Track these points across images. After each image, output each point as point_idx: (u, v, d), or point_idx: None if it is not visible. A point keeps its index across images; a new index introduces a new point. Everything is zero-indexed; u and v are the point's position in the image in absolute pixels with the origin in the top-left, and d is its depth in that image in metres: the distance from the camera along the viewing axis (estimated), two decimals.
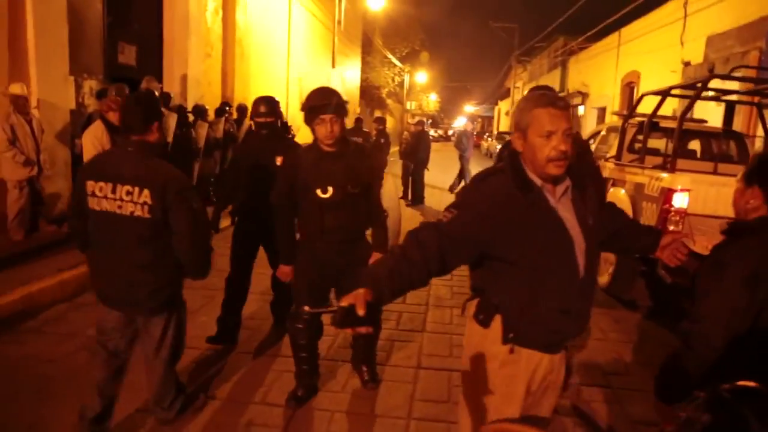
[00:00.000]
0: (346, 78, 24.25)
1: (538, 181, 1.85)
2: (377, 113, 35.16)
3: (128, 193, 2.53)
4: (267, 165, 3.93)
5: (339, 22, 18.73)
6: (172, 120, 7.87)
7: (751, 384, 1.46)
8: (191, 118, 9.11)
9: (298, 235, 3.42)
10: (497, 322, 1.88)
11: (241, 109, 10.89)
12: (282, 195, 3.31)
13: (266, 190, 3.51)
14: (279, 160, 3.81)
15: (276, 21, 15.37)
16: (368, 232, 3.48)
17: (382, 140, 13.02)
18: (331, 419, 3.30)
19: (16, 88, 5.94)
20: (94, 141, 5.34)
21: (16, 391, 3.38)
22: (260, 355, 4.10)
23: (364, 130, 13.88)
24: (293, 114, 15.96)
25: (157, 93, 7.62)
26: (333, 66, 18.25)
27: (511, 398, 1.91)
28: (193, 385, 3.52)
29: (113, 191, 2.55)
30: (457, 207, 1.85)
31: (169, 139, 7.74)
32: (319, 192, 3.15)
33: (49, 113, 6.77)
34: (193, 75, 10.50)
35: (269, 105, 4.07)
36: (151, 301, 2.69)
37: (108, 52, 8.62)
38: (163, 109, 7.92)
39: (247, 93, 12.51)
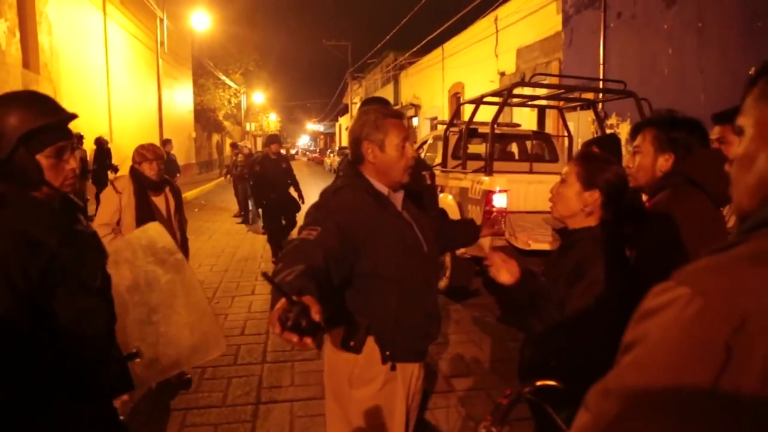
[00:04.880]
0: (176, 101, 23.15)
1: (384, 190, 1.92)
2: (215, 136, 34.05)
3: None
4: None
5: (162, 44, 17.76)
6: None
7: (550, 382, 1.47)
8: None
9: None
10: (371, 343, 1.83)
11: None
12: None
13: None
14: None
15: (90, 43, 14.19)
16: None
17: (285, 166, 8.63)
18: None
19: None
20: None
21: None
22: None
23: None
24: (118, 142, 14.83)
25: None
26: (159, 89, 17.23)
27: (394, 414, 1.92)
28: None
29: None
30: (317, 223, 1.73)
31: None
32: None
33: None
34: None
35: None
36: None
37: None
38: None
39: None
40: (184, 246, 4.01)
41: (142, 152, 3.77)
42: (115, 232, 3.57)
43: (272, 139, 8.85)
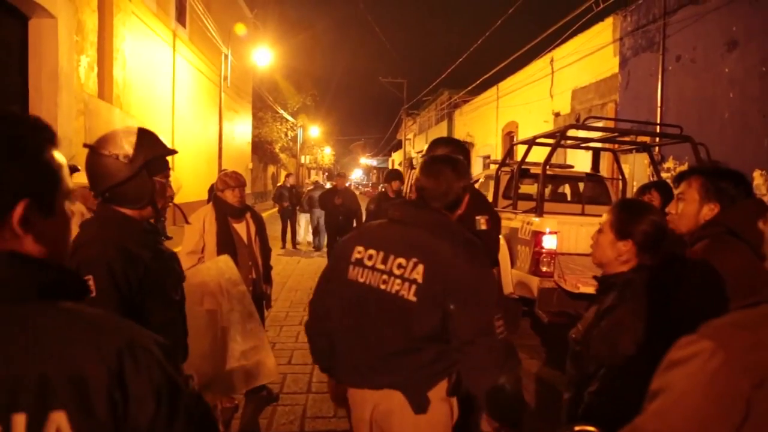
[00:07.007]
0: (235, 133, 23.99)
1: None
2: (271, 168, 34.99)
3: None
4: None
5: (225, 78, 18.56)
6: None
7: (589, 428, 1.48)
8: None
9: None
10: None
11: None
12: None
13: None
14: None
15: (159, 77, 14.98)
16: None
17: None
18: None
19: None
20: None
21: None
22: None
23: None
24: (179, 173, 15.47)
25: None
26: (220, 121, 17.95)
27: None
28: None
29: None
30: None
31: None
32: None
33: None
34: (64, 134, 9.88)
35: None
36: None
37: None
38: None
39: None
40: (266, 274, 4.12)
41: (226, 180, 3.90)
42: (200, 260, 3.70)
43: (393, 176, 7.33)
